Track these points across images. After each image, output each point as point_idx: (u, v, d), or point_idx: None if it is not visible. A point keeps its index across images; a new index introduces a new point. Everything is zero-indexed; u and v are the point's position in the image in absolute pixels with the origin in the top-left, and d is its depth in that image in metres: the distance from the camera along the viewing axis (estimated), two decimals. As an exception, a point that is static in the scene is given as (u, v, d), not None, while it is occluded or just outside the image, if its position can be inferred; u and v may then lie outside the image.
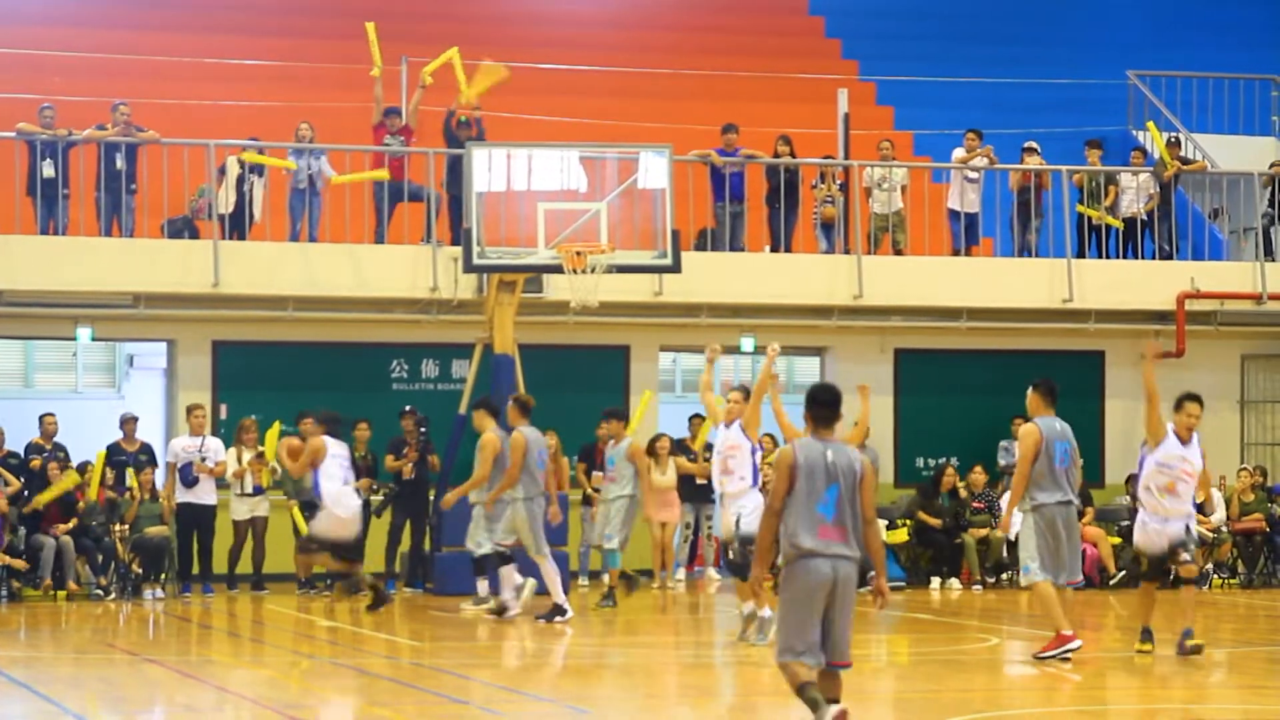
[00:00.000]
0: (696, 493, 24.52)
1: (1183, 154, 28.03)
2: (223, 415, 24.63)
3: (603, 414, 22.21)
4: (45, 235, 24.09)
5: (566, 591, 21.58)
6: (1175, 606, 17.20)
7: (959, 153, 26.73)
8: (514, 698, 15.15)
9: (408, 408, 23.98)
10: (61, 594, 22.73)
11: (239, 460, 23.61)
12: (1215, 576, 25.52)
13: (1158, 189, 27.19)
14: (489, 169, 22.49)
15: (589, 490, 24.66)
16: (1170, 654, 17.08)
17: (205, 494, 23.46)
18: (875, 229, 26.50)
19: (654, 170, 22.76)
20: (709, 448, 23.44)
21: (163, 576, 23.25)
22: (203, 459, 23.39)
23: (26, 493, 22.96)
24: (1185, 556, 16.86)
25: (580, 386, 24.94)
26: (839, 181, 26.43)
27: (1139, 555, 17.25)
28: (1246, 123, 30.77)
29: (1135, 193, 27.26)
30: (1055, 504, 16.70)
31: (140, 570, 23.00)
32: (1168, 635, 17.43)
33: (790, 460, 11.36)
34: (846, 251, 26.16)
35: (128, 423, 24.33)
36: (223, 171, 24.50)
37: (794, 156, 26.30)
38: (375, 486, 23.78)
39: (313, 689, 16.08)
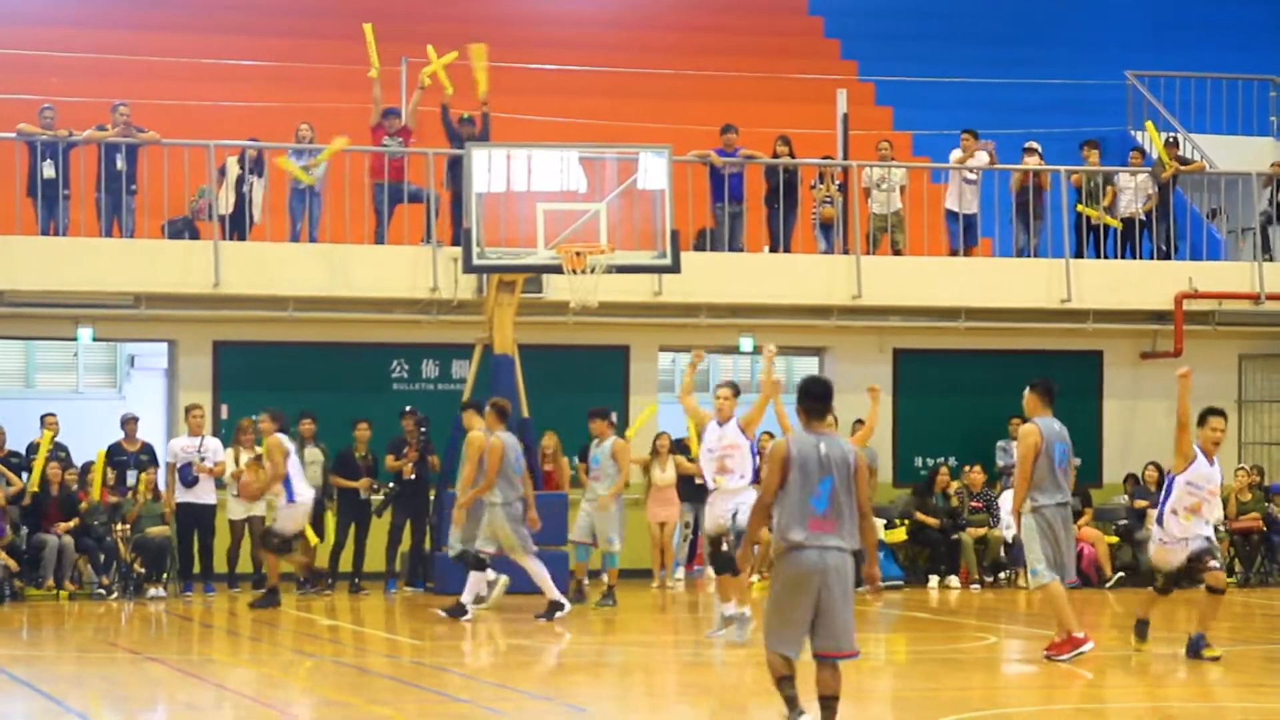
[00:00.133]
0: (695, 492, 24.53)
1: (1181, 154, 28.08)
2: (224, 415, 24.66)
3: (588, 414, 22.25)
4: (46, 236, 24.12)
5: (565, 590, 21.66)
6: (1192, 607, 17.22)
7: (956, 154, 26.78)
8: (513, 696, 15.21)
9: (408, 408, 24.02)
10: (64, 593, 22.79)
11: (237, 461, 23.63)
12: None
13: (1156, 189, 27.23)
14: (488, 169, 22.53)
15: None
16: (1167, 652, 17.14)
17: (205, 494, 23.48)
18: (874, 229, 26.55)
19: (653, 171, 22.81)
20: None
21: (164, 576, 23.30)
22: (201, 459, 23.43)
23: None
24: (1214, 564, 16.70)
25: (580, 386, 24.98)
26: (838, 182, 26.48)
27: (1155, 571, 17.13)
28: (1244, 123, 30.82)
29: (1133, 193, 27.30)
30: (1055, 505, 16.72)
31: (142, 570, 23.05)
32: (1162, 633, 17.49)
33: (784, 453, 11.42)
34: (845, 252, 26.20)
35: (128, 423, 24.39)
36: (223, 172, 24.55)
37: (793, 157, 26.34)
38: (375, 486, 23.83)
39: (313, 687, 16.13)
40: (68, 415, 24.73)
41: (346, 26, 26.21)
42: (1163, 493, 17.13)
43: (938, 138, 28.49)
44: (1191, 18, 34.27)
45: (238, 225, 24.67)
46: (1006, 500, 22.96)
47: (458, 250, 23.29)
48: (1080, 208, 26.93)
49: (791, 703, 11.44)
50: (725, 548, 17.76)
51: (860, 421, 21.80)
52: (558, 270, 22.54)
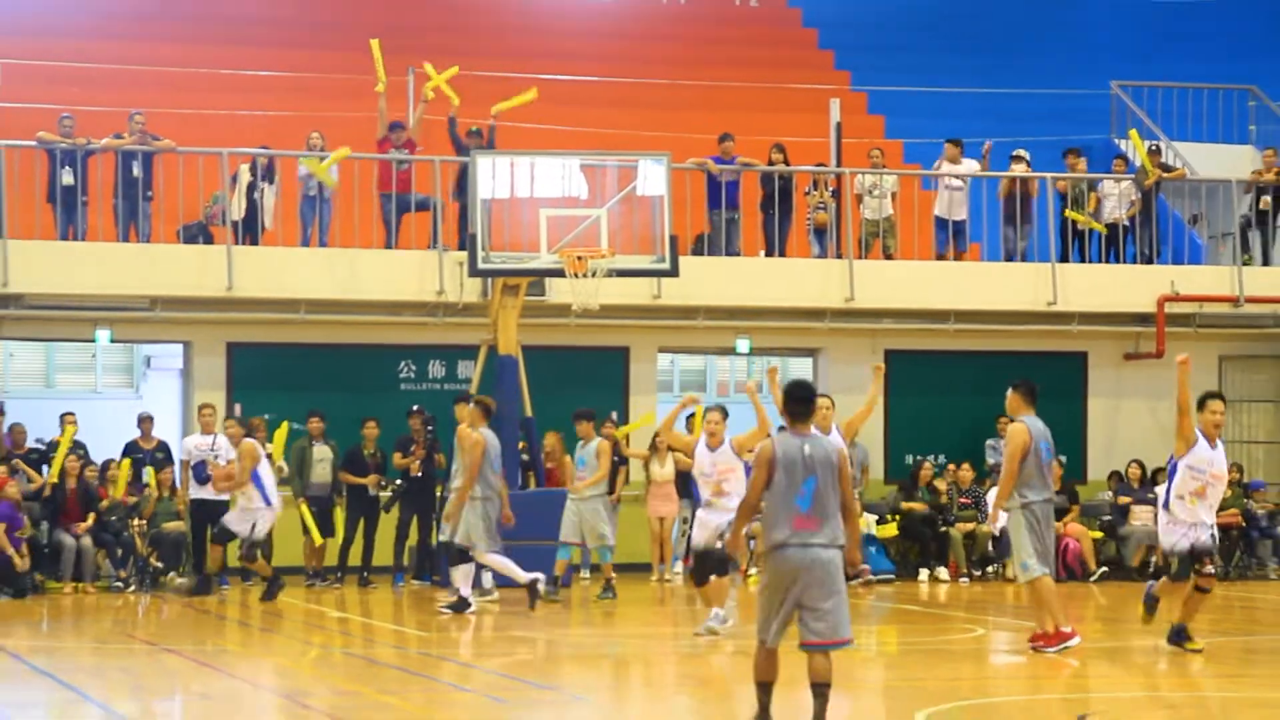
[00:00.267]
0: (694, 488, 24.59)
1: (1163, 161, 28.12)
2: (236, 414, 24.63)
3: (573, 415, 22.21)
4: (65, 241, 24.15)
5: (568, 584, 21.70)
6: (1175, 599, 17.20)
7: (944, 164, 26.87)
8: (516, 685, 15.25)
9: (415, 407, 24.03)
10: (83, 586, 22.82)
11: (249, 457, 23.66)
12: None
13: (1139, 195, 27.26)
14: (493, 177, 22.58)
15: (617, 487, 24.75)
16: (1151, 644, 17.18)
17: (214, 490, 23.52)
18: (866, 234, 26.58)
19: (652, 178, 22.85)
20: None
21: (180, 570, 23.35)
22: (214, 456, 23.46)
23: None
24: (1209, 569, 16.49)
25: (582, 387, 25.00)
26: (831, 188, 26.52)
27: (1168, 557, 16.78)
28: (1225, 131, 30.84)
29: (1118, 199, 27.33)
30: (1042, 501, 16.74)
31: (159, 564, 23.08)
32: (1132, 623, 17.51)
33: (769, 455, 11.51)
34: (839, 256, 26.23)
35: (144, 422, 24.46)
36: (235, 180, 24.59)
37: (788, 164, 26.36)
38: (384, 483, 23.86)
39: (324, 677, 16.17)
40: (86, 414, 24.77)
41: (355, 39, 26.23)
42: (1166, 478, 16.90)
43: (928, 146, 28.51)
44: (1173, 30, 34.33)
45: (250, 230, 24.71)
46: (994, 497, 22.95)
47: (463, 255, 23.31)
48: (1068, 213, 26.97)
49: (762, 709, 11.59)
50: (720, 545, 17.66)
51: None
52: (560, 274, 22.58)
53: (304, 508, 23.50)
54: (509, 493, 22.78)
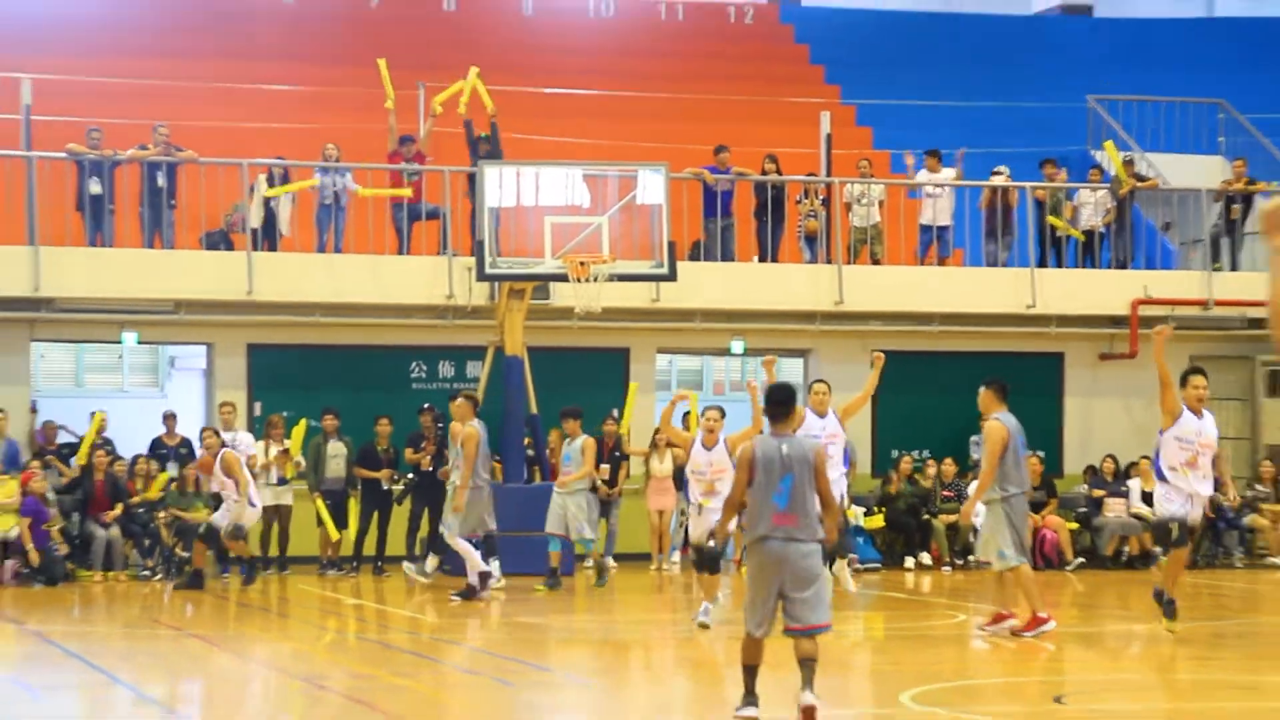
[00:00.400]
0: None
1: (1137, 172, 28.18)
2: (257, 412, 24.75)
3: (560, 413, 22.22)
4: (93, 247, 24.19)
5: (569, 572, 21.78)
6: (1147, 586, 17.20)
7: (923, 174, 26.98)
8: (522, 669, 15.32)
9: (426, 405, 24.09)
10: (112, 575, 22.93)
11: (266, 453, 23.75)
12: (1163, 558, 25.68)
13: (1114, 204, 27.35)
14: (500, 186, 22.65)
15: (596, 482, 24.77)
16: (1125, 628, 17.27)
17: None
18: (855, 241, 26.65)
19: (651, 187, 22.90)
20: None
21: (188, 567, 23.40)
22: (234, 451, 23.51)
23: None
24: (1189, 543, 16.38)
25: (584, 386, 25.03)
26: (821, 197, 26.56)
27: (1165, 524, 16.36)
28: (1195, 143, 30.86)
29: (1094, 207, 27.40)
30: (1020, 494, 16.82)
31: (183, 553, 23.17)
32: (1117, 611, 17.60)
33: (749, 456, 11.77)
34: (828, 261, 26.28)
35: (168, 419, 24.57)
36: (254, 189, 24.67)
37: (780, 174, 26.41)
38: (396, 477, 23.94)
39: (339, 661, 16.26)
40: (113, 412, 24.90)
41: (369, 55, 26.31)
42: (1154, 452, 16.63)
43: (922, 156, 28.53)
44: (1147, 47, 34.37)
45: (268, 237, 24.79)
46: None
47: (472, 260, 23.37)
48: (1051, 218, 27.05)
49: (748, 690, 11.78)
50: (713, 543, 17.69)
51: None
52: (563, 279, 22.64)
53: (319, 502, 23.60)
54: (514, 486, 22.94)
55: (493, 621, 18.92)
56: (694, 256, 25.62)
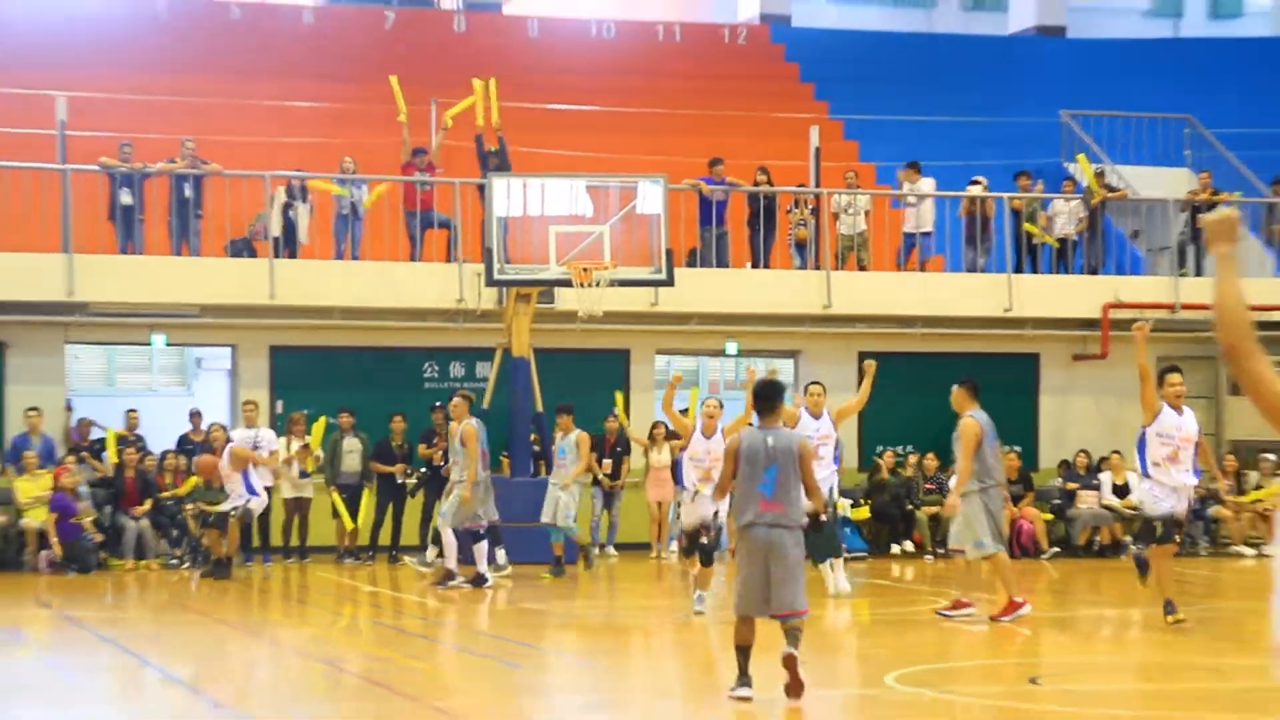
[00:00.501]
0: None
1: (1108, 183, 28.20)
2: (279, 410, 24.78)
3: (555, 409, 22.07)
4: (124, 255, 24.23)
5: (573, 560, 21.76)
6: (1119, 574, 17.20)
7: (906, 186, 27.03)
8: (529, 651, 15.34)
9: (438, 403, 24.09)
10: (143, 564, 22.96)
11: (288, 448, 23.79)
12: (1133, 547, 25.70)
13: (1086, 213, 27.37)
14: (508, 197, 22.67)
15: (599, 475, 24.82)
16: (1096, 613, 17.27)
17: (262, 477, 23.55)
18: (842, 248, 26.66)
19: (650, 197, 22.91)
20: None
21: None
22: (255, 447, 23.52)
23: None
24: (1176, 538, 16.10)
25: (587, 385, 25.06)
26: (810, 207, 26.59)
27: (1150, 523, 16.16)
28: (1163, 156, 30.87)
29: (1067, 216, 27.43)
30: (995, 486, 16.84)
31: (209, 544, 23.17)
32: (1089, 596, 17.58)
33: (735, 447, 11.92)
34: (817, 267, 26.30)
35: (195, 417, 24.59)
36: (275, 199, 24.69)
37: (771, 185, 26.45)
38: (410, 471, 23.97)
39: (356, 644, 16.28)
40: (143, 410, 24.92)
41: (382, 74, 26.32)
42: (1138, 449, 16.38)
43: (897, 168, 28.57)
44: (1117, 66, 34.39)
45: (288, 245, 24.82)
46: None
47: (481, 266, 23.40)
48: (1027, 225, 27.08)
49: (741, 670, 11.82)
50: (705, 540, 17.63)
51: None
52: (567, 284, 22.66)
53: (335, 494, 23.63)
54: (521, 480, 22.92)
55: (501, 607, 18.93)
56: (690, 263, 25.64)
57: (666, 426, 24.79)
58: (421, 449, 23.87)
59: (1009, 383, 26.57)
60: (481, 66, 29.51)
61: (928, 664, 14.11)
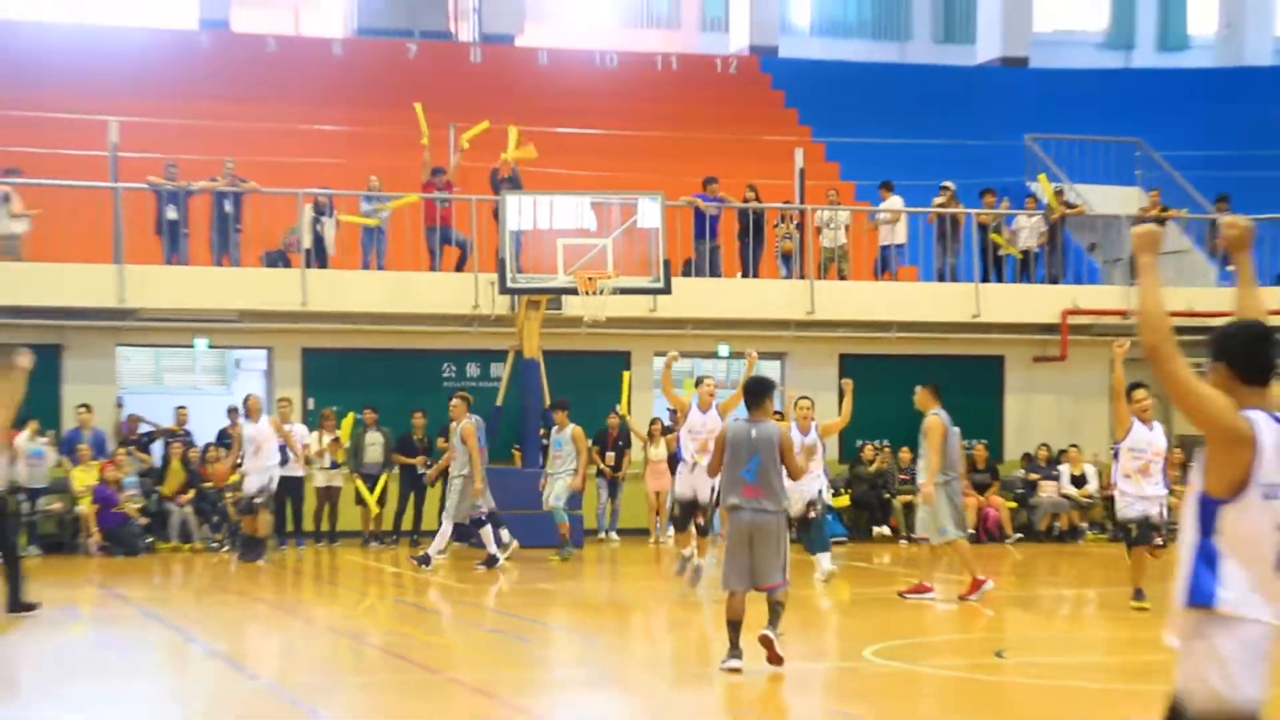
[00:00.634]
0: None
1: (1067, 200, 28.19)
2: (310, 406, 24.76)
3: (550, 405, 22.06)
4: (170, 265, 24.24)
5: (579, 544, 21.69)
6: (1082, 559, 17.19)
7: (883, 204, 27.02)
8: (537, 628, 15.33)
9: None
10: (186, 547, 22.94)
11: (319, 441, 23.80)
12: (1089, 533, 25.74)
13: (1047, 228, 27.35)
14: (519, 212, 22.67)
15: (602, 466, 24.78)
16: (1056, 593, 17.24)
17: (295, 468, 23.54)
18: (824, 259, 26.64)
19: (649, 213, 22.90)
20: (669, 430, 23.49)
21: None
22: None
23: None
24: (1158, 540, 15.75)
25: (591, 385, 25.04)
26: (795, 222, 26.56)
27: (1125, 525, 15.94)
28: (1116, 175, 30.83)
29: (1029, 230, 27.41)
30: (957, 477, 16.87)
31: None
32: (1050, 578, 17.56)
33: (721, 438, 12.18)
34: (802, 277, 26.28)
35: (233, 413, 24.52)
36: (303, 215, 24.64)
37: (760, 202, 26.44)
38: (429, 462, 23.92)
39: (379, 621, 16.27)
40: (188, 407, 24.89)
41: (406, 100, 26.31)
42: (1113, 460, 16.13)
43: (875, 187, 28.55)
44: (1075, 94, 34.35)
45: (319, 256, 24.80)
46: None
47: (494, 276, 23.39)
48: (993, 236, 27.07)
49: (732, 644, 11.86)
50: (701, 522, 17.57)
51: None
52: (574, 292, 22.64)
53: (358, 481, 23.66)
54: (531, 471, 22.87)
55: (513, 587, 18.91)
56: (686, 273, 25.62)
57: (663, 423, 24.82)
58: (440, 442, 23.81)
59: (976, 382, 26.55)
60: (496, 94, 29.58)
61: (902, 639, 14.10)
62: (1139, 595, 15.92)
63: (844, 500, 25.41)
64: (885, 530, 25.37)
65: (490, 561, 20.07)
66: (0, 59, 29.23)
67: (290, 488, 23.28)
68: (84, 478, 22.77)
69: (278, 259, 24.90)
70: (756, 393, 12.13)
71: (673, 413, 24.43)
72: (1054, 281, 27.28)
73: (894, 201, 26.90)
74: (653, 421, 24.89)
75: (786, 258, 26.53)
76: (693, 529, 17.40)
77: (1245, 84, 35.33)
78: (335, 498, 23.90)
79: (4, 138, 26.02)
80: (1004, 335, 26.99)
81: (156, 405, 24.98)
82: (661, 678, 12.80)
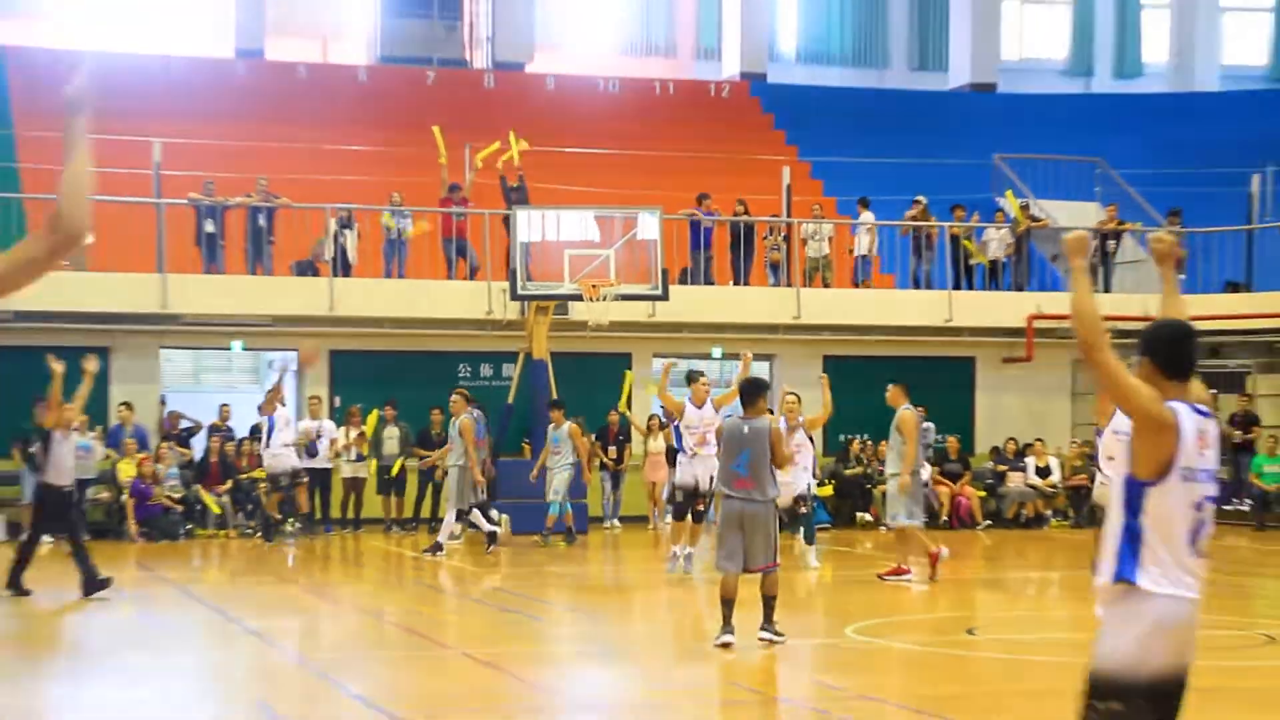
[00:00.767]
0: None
1: (1032, 214, 28.19)
2: (337, 404, 24.76)
3: (548, 404, 21.97)
4: (208, 274, 24.24)
5: (585, 530, 21.66)
6: (1041, 543, 17.16)
7: (864, 217, 27.02)
8: (546, 608, 15.32)
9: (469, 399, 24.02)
10: (223, 533, 22.91)
11: (346, 436, 23.78)
12: (1053, 520, 25.72)
13: (1014, 240, 27.34)
14: (529, 225, 22.68)
15: (604, 460, 24.75)
16: (1023, 575, 17.22)
17: (324, 460, 23.57)
18: (809, 268, 26.63)
19: (649, 226, 22.92)
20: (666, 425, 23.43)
21: (290, 523, 23.32)
22: (318, 435, 23.52)
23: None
24: None
25: (595, 384, 25.02)
26: (783, 234, 26.57)
27: (1097, 508, 15.77)
28: (1077, 191, 30.84)
29: (998, 242, 27.40)
30: (920, 469, 16.91)
31: (279, 516, 23.09)
32: (1018, 560, 17.52)
33: (720, 430, 12.42)
34: (789, 284, 26.29)
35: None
36: (328, 229, 24.63)
37: (750, 216, 26.44)
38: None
39: (399, 600, 16.24)
40: (227, 404, 24.85)
41: (425, 122, 26.28)
42: (1096, 445, 15.72)
43: (856, 202, 28.54)
44: (1039, 116, 34.32)
45: (345, 266, 24.79)
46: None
47: (506, 283, 23.39)
48: (966, 243, 27.07)
49: (725, 620, 11.90)
50: (700, 509, 17.54)
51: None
52: (579, 298, 22.65)
53: (373, 466, 23.68)
54: (538, 463, 22.83)
55: (524, 571, 18.89)
56: (682, 281, 25.62)
57: (660, 419, 24.78)
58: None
59: (950, 381, 26.51)
60: (507, 117, 29.53)
61: (881, 618, 14.09)
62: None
63: (827, 490, 25.38)
64: (867, 517, 25.34)
65: (491, 538, 20.04)
66: (55, 88, 29.18)
67: (319, 478, 23.29)
68: (129, 469, 22.74)
69: (307, 269, 24.88)
70: (751, 393, 12.27)
71: (667, 413, 24.44)
72: (1020, 289, 27.27)
73: (868, 216, 26.91)
74: (651, 418, 24.87)
75: (775, 267, 26.52)
76: (689, 519, 17.39)
77: (1195, 108, 35.35)
78: (360, 488, 23.88)
79: (58, 159, 25.91)
80: (975, 338, 26.97)
81: (195, 403, 24.94)
82: (660, 652, 12.78)
